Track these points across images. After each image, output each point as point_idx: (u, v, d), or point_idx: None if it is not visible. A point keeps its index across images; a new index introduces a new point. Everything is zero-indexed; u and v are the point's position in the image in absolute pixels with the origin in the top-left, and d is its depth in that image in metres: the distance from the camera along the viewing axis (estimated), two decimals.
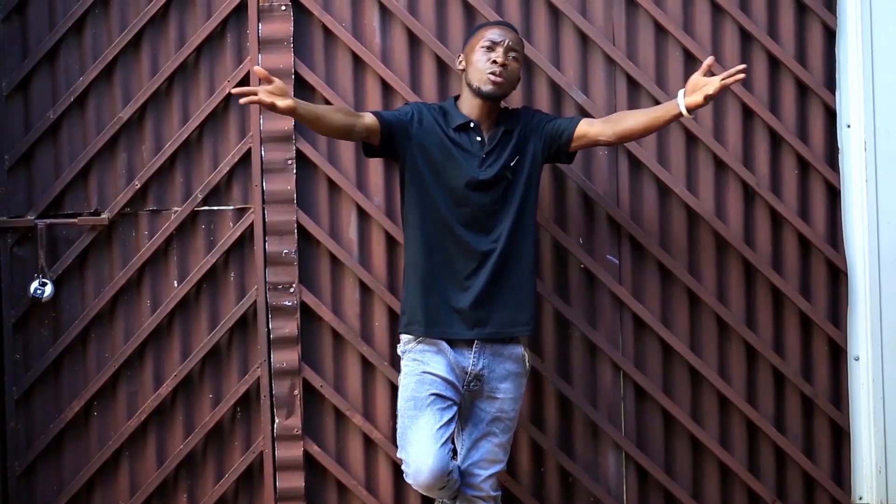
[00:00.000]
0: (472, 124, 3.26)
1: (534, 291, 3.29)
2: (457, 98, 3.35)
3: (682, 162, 3.71)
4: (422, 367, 3.22)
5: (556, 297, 3.66)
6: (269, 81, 2.97)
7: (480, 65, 3.23)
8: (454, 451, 3.28)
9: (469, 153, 3.24)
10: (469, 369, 3.23)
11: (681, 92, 3.15)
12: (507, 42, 3.24)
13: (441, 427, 3.16)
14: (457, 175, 3.23)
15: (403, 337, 3.30)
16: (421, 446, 3.13)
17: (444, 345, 3.23)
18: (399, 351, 3.32)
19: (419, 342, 3.25)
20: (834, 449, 3.74)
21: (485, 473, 3.27)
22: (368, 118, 3.21)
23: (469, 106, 3.28)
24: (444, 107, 3.33)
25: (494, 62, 3.21)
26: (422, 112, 3.29)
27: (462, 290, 3.22)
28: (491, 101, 3.25)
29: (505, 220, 3.24)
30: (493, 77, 3.21)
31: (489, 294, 3.22)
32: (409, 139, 3.25)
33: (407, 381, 3.24)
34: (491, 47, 3.23)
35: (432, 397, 3.19)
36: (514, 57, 3.25)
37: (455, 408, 3.23)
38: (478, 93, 3.24)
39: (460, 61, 3.32)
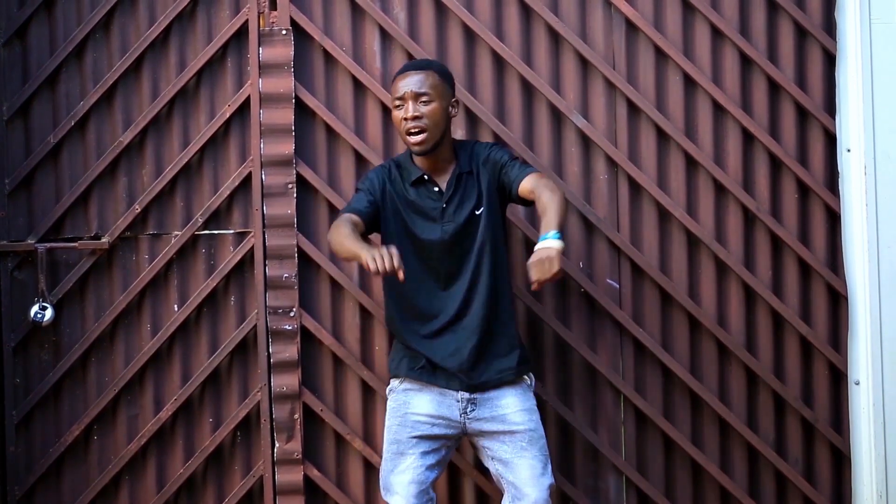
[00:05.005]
0: (425, 176, 3.24)
1: (515, 334, 3.28)
2: None
3: (682, 186, 3.72)
4: (404, 408, 3.23)
5: (555, 321, 3.66)
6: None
7: (399, 127, 3.21)
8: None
9: (430, 205, 3.23)
10: (460, 396, 3.21)
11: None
12: (410, 90, 3.17)
13: (423, 471, 3.17)
14: (423, 229, 3.21)
15: (392, 381, 3.31)
16: (401, 496, 3.16)
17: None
18: (386, 391, 3.34)
19: (402, 381, 3.26)
20: (834, 474, 3.73)
21: (535, 493, 3.16)
22: (358, 221, 3.17)
23: (419, 158, 3.25)
24: (400, 161, 3.31)
25: (405, 119, 3.17)
26: (381, 180, 3.26)
27: (444, 344, 3.20)
28: (430, 153, 3.21)
29: (477, 269, 3.20)
30: (411, 139, 3.17)
31: (472, 346, 3.19)
32: (380, 211, 3.24)
33: (390, 423, 3.25)
34: (399, 105, 3.19)
35: (414, 440, 3.19)
36: (425, 101, 3.17)
37: (444, 443, 3.22)
38: (413, 152, 3.23)
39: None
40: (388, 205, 3.25)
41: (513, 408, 3.22)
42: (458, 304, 3.20)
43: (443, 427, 3.21)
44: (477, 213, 3.22)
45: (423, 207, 3.23)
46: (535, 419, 3.24)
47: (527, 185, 3.15)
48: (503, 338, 3.25)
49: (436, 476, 3.24)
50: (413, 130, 3.17)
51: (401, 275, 2.90)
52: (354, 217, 3.18)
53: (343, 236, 3.08)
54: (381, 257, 2.88)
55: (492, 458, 3.23)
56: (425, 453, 3.20)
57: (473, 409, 3.22)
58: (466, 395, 3.21)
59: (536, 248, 2.94)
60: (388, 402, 3.29)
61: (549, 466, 3.22)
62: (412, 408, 3.22)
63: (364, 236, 3.17)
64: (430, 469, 3.21)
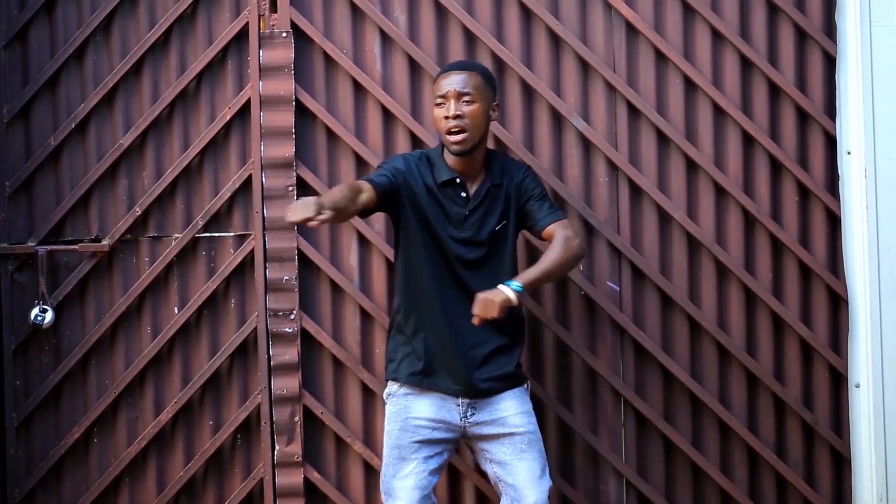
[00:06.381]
0: (458, 180, 3.22)
1: (520, 341, 3.29)
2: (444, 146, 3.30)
3: (682, 188, 3.72)
4: (405, 413, 3.21)
5: (556, 324, 3.66)
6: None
7: (439, 125, 3.18)
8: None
9: (454, 209, 3.21)
10: (460, 400, 3.20)
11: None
12: (453, 89, 3.15)
13: (426, 476, 3.17)
14: (444, 230, 3.19)
15: (389, 384, 3.28)
16: (404, 501, 3.15)
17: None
18: (384, 395, 3.31)
19: (402, 385, 3.24)
20: (835, 476, 3.73)
21: (534, 495, 3.15)
22: (367, 191, 3.06)
23: (452, 159, 3.23)
24: (430, 157, 3.26)
25: (447, 118, 3.14)
26: (410, 168, 3.21)
27: (450, 347, 3.18)
28: (467, 154, 3.20)
29: (489, 277, 3.17)
30: (451, 138, 3.15)
31: (476, 352, 3.18)
32: (401, 198, 3.19)
33: (391, 428, 3.24)
34: (441, 103, 3.17)
35: (416, 445, 3.18)
36: (467, 101, 3.15)
37: (445, 447, 3.22)
38: (451, 151, 3.20)
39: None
40: (408, 195, 3.19)
41: (512, 410, 3.22)
42: (470, 307, 3.15)
43: (443, 431, 3.21)
44: (497, 228, 3.22)
45: (446, 209, 3.21)
46: (534, 422, 3.25)
47: (550, 231, 3.20)
48: (508, 344, 3.24)
49: (437, 480, 3.24)
50: (454, 129, 3.15)
51: (315, 222, 2.75)
52: (364, 184, 3.09)
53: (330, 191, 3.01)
54: (296, 207, 2.76)
55: (490, 461, 3.23)
56: (427, 458, 3.19)
57: (474, 413, 3.21)
58: (467, 399, 3.20)
59: (497, 287, 3.05)
60: (388, 407, 3.28)
61: (547, 469, 3.22)
62: (413, 412, 3.21)
63: (367, 208, 3.08)
64: (433, 474, 3.21)
